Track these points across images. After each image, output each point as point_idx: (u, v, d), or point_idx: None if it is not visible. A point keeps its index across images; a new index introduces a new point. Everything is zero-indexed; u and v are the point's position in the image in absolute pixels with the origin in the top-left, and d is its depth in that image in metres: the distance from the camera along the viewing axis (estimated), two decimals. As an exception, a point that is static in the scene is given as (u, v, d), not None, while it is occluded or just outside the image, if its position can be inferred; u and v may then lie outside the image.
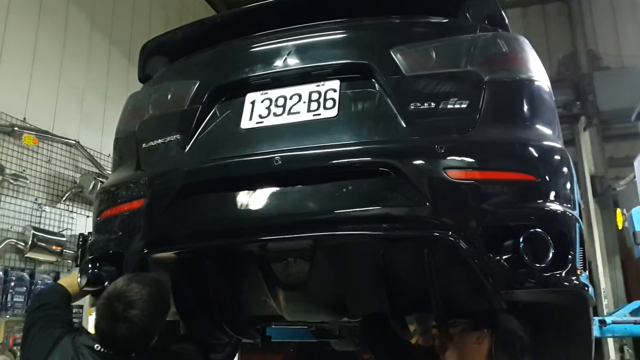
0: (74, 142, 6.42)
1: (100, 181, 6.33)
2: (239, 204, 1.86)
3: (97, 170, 6.60)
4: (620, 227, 7.60)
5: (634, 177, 5.56)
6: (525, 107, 1.89)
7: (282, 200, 1.83)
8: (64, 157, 6.35)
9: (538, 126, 1.88)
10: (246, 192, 1.86)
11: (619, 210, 7.75)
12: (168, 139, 2.14)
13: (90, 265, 2.09)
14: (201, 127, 2.09)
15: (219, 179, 1.92)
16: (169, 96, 2.26)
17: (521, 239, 1.62)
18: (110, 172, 6.49)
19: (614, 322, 3.67)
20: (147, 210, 1.99)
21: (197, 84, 2.16)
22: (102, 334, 1.88)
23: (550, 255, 1.64)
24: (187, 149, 2.06)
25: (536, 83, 1.95)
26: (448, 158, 1.72)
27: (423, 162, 1.73)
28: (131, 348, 1.89)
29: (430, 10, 2.12)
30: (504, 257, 1.65)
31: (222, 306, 2.05)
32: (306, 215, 1.78)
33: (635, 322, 3.77)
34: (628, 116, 8.15)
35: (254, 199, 1.84)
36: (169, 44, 2.49)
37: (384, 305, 1.85)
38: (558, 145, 1.87)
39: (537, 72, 1.97)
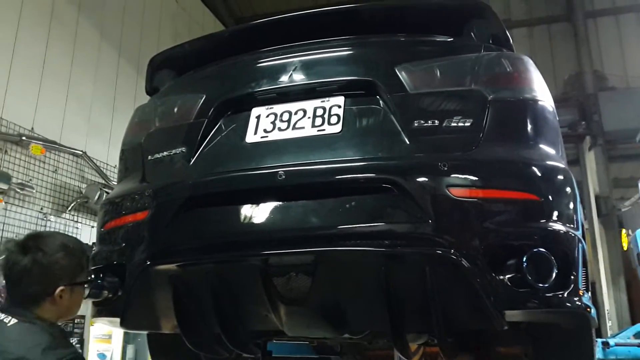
0: (81, 153, 6.48)
1: (106, 192, 6.36)
2: (242, 218, 1.86)
3: (103, 181, 6.65)
4: (625, 248, 7.56)
5: (639, 197, 5.53)
6: (529, 127, 1.90)
7: (286, 214, 1.84)
8: (70, 168, 6.42)
9: (541, 145, 1.89)
10: (250, 206, 1.86)
11: (623, 231, 7.71)
12: (173, 151, 2.15)
13: (93, 276, 2.10)
14: (206, 141, 2.10)
15: (223, 192, 1.93)
16: (176, 109, 2.28)
17: (524, 259, 1.61)
18: (116, 183, 6.51)
19: (617, 345, 3.63)
20: (151, 222, 1.99)
21: (203, 98, 2.18)
22: (8, 265, 1.86)
23: (553, 275, 1.63)
24: (192, 161, 2.08)
25: (540, 103, 1.96)
26: (451, 176, 1.73)
27: (426, 179, 1.73)
28: (35, 286, 1.84)
29: (435, 29, 2.14)
30: (505, 276, 1.65)
31: (222, 319, 2.05)
32: (309, 230, 1.79)
33: (639, 345, 3.73)
34: (633, 137, 8.17)
35: (257, 213, 1.85)
36: (177, 57, 2.51)
37: (385, 322, 1.85)
38: (561, 165, 1.87)
39: (541, 92, 1.98)
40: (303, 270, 1.89)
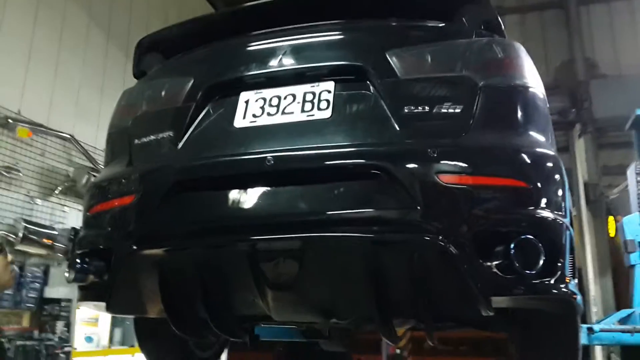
0: (69, 136, 6.41)
1: (94, 175, 6.31)
2: (230, 203, 1.85)
3: (91, 165, 6.60)
4: (612, 235, 7.62)
5: (627, 185, 5.58)
6: (519, 114, 1.89)
7: (274, 200, 1.83)
8: (57, 151, 6.36)
9: (531, 133, 1.88)
10: (238, 191, 1.85)
11: (611, 218, 7.76)
12: (161, 135, 2.13)
13: (78, 260, 2.08)
14: (194, 125, 2.08)
15: (211, 177, 1.92)
16: (163, 93, 2.25)
17: (512, 245, 1.61)
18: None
19: (602, 330, 3.67)
20: (138, 207, 1.98)
21: (191, 82, 2.15)
22: None
23: (541, 262, 1.63)
24: (180, 146, 2.06)
25: (530, 90, 1.95)
26: (440, 162, 1.72)
27: (415, 165, 1.72)
28: None
29: (426, 14, 2.12)
30: (493, 263, 1.64)
31: (209, 304, 2.04)
32: (298, 216, 1.78)
33: (623, 331, 3.79)
34: (623, 124, 8.18)
35: (246, 198, 1.84)
36: (165, 40, 2.48)
37: (373, 307, 1.85)
38: (551, 152, 1.86)
39: (532, 79, 1.97)
40: (291, 255, 1.88)
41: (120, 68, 7.34)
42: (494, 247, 1.66)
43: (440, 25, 2.10)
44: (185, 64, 2.35)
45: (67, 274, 2.12)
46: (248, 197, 1.84)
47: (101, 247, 2.07)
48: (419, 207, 1.67)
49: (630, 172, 4.70)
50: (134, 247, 1.95)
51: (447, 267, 1.67)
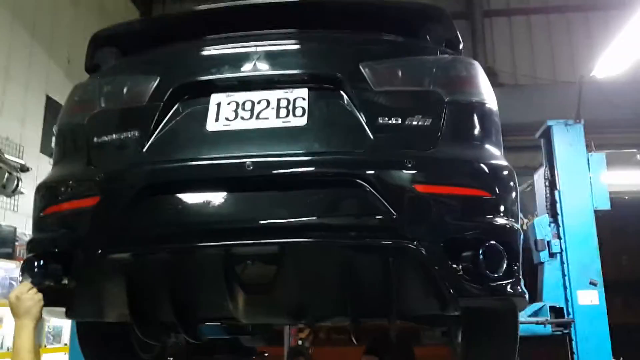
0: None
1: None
2: (205, 208, 1.85)
3: (-5, 155, 6.10)
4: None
5: (527, 186, 6.04)
6: (480, 128, 2.05)
7: (249, 205, 1.85)
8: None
9: (490, 145, 2.05)
10: (212, 195, 1.85)
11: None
12: (124, 135, 2.05)
13: (34, 264, 1.98)
14: (161, 126, 2.03)
15: (185, 180, 1.89)
16: (125, 90, 2.16)
17: (480, 251, 1.76)
18: (8, 157, 5.98)
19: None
20: (103, 209, 1.91)
21: (157, 80, 2.09)
22: None
23: (504, 266, 1.80)
24: (147, 147, 1.99)
25: (487, 105, 2.11)
26: (415, 172, 1.83)
27: (391, 174, 1.82)
28: None
29: (394, 30, 2.21)
30: (463, 267, 1.78)
31: (177, 308, 2.02)
32: (274, 221, 1.81)
33: (537, 323, 4.18)
34: (519, 130, 8.84)
35: (220, 203, 1.85)
36: (124, 35, 2.38)
37: (345, 310, 1.93)
38: (506, 163, 2.04)
39: (490, 96, 2.14)
40: (267, 260, 1.90)
41: (25, 50, 6.83)
42: (463, 252, 1.80)
43: (408, 41, 2.20)
44: (150, 62, 2.27)
45: (20, 278, 2.01)
46: (223, 202, 1.85)
47: (57, 250, 1.99)
48: (394, 214, 1.77)
49: (539, 177, 5.12)
50: (99, 251, 1.88)
51: (422, 271, 1.80)
